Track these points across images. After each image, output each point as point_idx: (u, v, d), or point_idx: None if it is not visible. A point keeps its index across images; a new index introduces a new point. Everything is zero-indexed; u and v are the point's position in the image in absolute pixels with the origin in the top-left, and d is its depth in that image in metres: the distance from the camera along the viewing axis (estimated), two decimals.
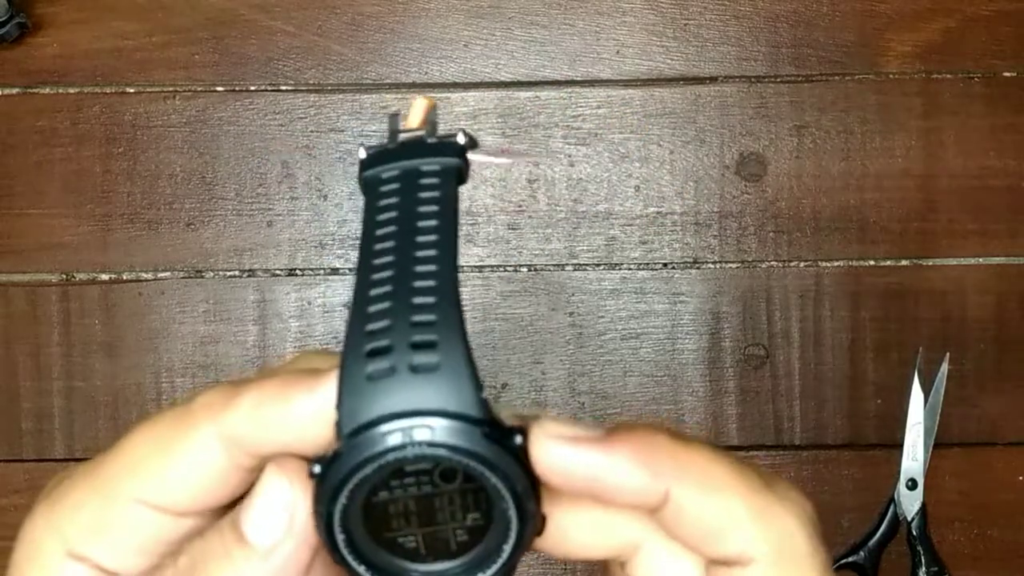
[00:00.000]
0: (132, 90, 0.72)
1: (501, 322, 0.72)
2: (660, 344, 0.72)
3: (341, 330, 0.72)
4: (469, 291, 0.72)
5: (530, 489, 0.23)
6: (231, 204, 0.72)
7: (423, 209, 0.25)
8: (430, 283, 0.24)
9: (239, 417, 0.24)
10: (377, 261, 0.24)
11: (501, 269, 0.72)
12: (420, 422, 0.23)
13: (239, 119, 0.72)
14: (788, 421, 0.72)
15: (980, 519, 0.71)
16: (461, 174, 0.26)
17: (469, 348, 0.23)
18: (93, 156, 0.72)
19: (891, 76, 0.72)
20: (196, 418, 0.25)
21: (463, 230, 0.72)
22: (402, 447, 0.23)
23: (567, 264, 0.72)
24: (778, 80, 0.72)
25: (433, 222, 0.25)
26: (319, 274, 0.72)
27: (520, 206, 0.72)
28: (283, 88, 0.72)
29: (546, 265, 0.72)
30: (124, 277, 0.72)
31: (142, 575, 0.25)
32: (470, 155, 0.27)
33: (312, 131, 0.72)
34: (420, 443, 0.23)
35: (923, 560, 0.66)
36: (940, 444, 0.66)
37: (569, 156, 0.72)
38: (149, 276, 0.72)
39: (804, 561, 0.24)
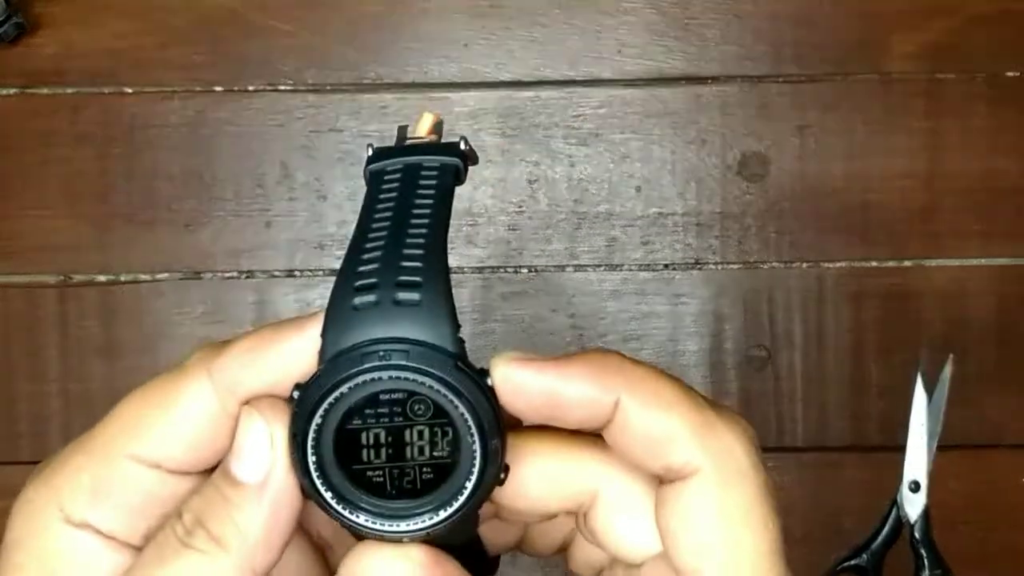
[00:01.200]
0: (130, 90, 0.72)
1: (501, 323, 0.71)
2: (661, 346, 0.72)
3: None
4: (470, 292, 0.71)
5: (495, 426, 0.25)
6: (229, 205, 0.72)
7: (421, 193, 0.27)
8: (420, 240, 0.25)
9: (232, 361, 0.25)
10: (374, 226, 0.26)
11: (501, 270, 0.72)
12: (397, 347, 0.24)
13: (238, 119, 0.72)
14: (790, 423, 0.71)
15: (984, 521, 0.71)
16: (459, 173, 0.28)
17: (450, 292, 0.25)
18: (91, 157, 0.72)
19: (894, 76, 0.72)
20: (189, 370, 0.26)
21: (463, 231, 0.71)
22: (378, 367, 0.24)
23: (568, 265, 0.72)
24: (780, 80, 0.72)
25: (428, 202, 0.27)
26: (318, 275, 0.71)
27: (520, 207, 0.72)
28: (282, 88, 0.72)
29: (547, 266, 0.72)
30: (122, 278, 0.72)
31: (143, 538, 0.26)
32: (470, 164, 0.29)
33: (311, 131, 0.72)
34: (396, 365, 0.24)
35: (926, 563, 0.65)
36: (944, 446, 0.66)
37: (570, 156, 0.72)
38: (147, 277, 0.72)
39: (746, 475, 0.26)
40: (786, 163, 0.72)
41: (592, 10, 0.72)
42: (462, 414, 0.24)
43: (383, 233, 0.26)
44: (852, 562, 0.66)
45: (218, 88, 0.72)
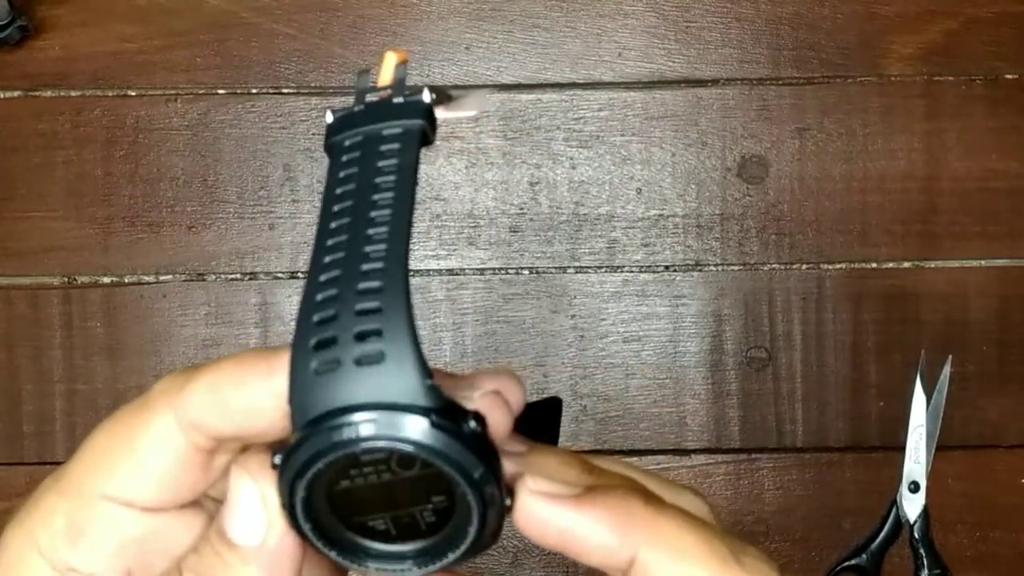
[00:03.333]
0: (134, 93, 0.72)
1: (503, 325, 0.72)
2: (662, 347, 0.72)
3: None
4: (471, 294, 0.71)
5: (488, 474, 0.23)
6: (233, 207, 0.72)
7: (380, 180, 0.24)
8: (377, 265, 0.23)
9: (195, 401, 0.24)
10: (329, 241, 0.24)
11: (503, 272, 0.72)
12: (365, 416, 0.22)
13: (241, 122, 0.72)
14: (790, 424, 0.72)
15: (983, 521, 0.71)
16: (425, 136, 0.25)
17: (416, 335, 0.23)
18: (95, 159, 0.72)
19: (893, 78, 0.72)
20: (153, 406, 0.25)
21: (465, 232, 0.72)
22: (349, 442, 0.22)
23: (569, 267, 0.72)
24: (780, 83, 0.72)
25: (388, 194, 0.24)
26: None
27: (522, 209, 0.72)
28: (285, 91, 0.72)
29: (548, 268, 0.72)
30: (126, 280, 0.72)
31: None
32: (438, 112, 0.26)
33: (314, 134, 0.72)
34: (366, 437, 0.22)
35: (925, 563, 0.66)
36: (942, 447, 0.66)
37: (571, 159, 0.72)
38: (151, 279, 0.72)
39: None
40: (786, 165, 0.72)
41: (593, 13, 0.73)
42: (448, 471, 0.23)
43: (339, 255, 0.24)
44: (852, 562, 0.67)
45: (221, 91, 0.72)
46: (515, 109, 0.72)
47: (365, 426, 0.22)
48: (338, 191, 0.25)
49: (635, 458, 0.70)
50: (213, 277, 0.72)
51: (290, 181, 0.72)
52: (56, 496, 0.25)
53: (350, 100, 0.26)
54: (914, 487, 0.66)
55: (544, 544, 0.24)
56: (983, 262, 0.72)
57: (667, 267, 0.72)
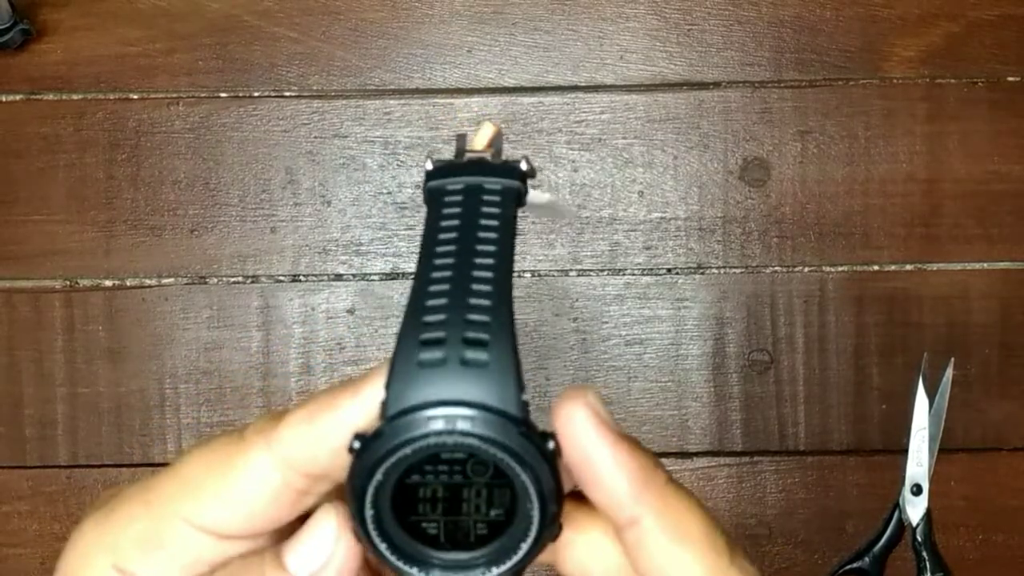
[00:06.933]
0: (136, 96, 0.72)
1: None
2: (664, 350, 0.72)
3: (344, 336, 0.72)
4: None
5: (555, 492, 0.24)
6: (235, 210, 0.72)
7: (484, 222, 0.26)
8: (486, 287, 0.25)
9: (290, 432, 0.25)
10: (438, 261, 0.25)
11: None
12: (464, 412, 0.24)
13: (243, 125, 0.72)
14: (792, 426, 0.72)
15: (985, 524, 0.71)
16: (520, 196, 0.28)
17: (517, 352, 0.24)
18: (97, 162, 0.72)
19: (895, 81, 0.72)
20: (249, 441, 0.25)
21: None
22: (443, 432, 0.24)
23: (571, 270, 0.72)
24: (782, 85, 0.72)
25: (492, 234, 0.26)
26: (323, 280, 0.72)
27: (523, 211, 0.72)
28: (287, 94, 0.73)
29: (550, 271, 0.72)
30: (128, 283, 0.72)
31: None
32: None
33: (316, 137, 0.72)
34: (461, 432, 0.24)
35: (928, 566, 0.66)
36: (945, 449, 0.66)
37: (573, 162, 0.72)
38: (153, 282, 0.72)
39: None
40: (788, 168, 0.72)
41: (595, 16, 0.73)
42: (523, 481, 0.24)
43: (448, 273, 0.25)
44: (854, 565, 0.67)
45: (223, 94, 0.72)
46: (517, 112, 0.72)
47: (463, 420, 0.24)
48: (443, 225, 0.26)
49: None
50: (215, 280, 0.72)
51: (292, 184, 0.72)
52: (141, 507, 0.26)
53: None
54: (916, 490, 0.66)
55: (576, 470, 0.25)
56: (985, 265, 0.72)
57: (669, 270, 0.72)
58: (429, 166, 0.28)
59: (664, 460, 0.74)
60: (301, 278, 0.72)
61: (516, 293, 0.71)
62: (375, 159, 0.72)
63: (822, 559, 0.71)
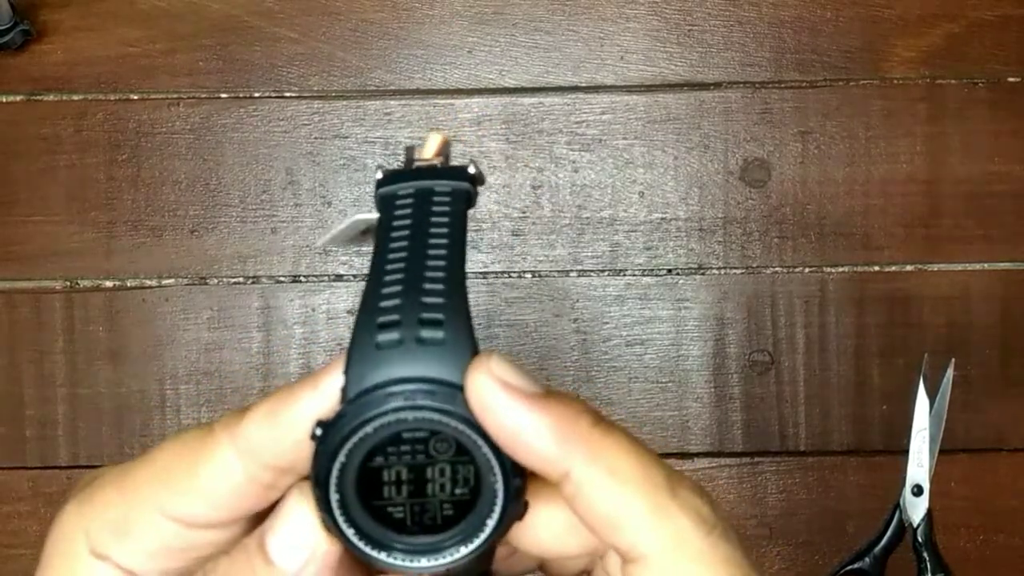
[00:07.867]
0: (136, 97, 0.72)
1: (505, 328, 0.72)
2: (665, 350, 0.72)
3: (345, 336, 0.72)
4: (473, 297, 0.71)
5: (518, 465, 0.24)
6: (235, 211, 0.72)
7: (435, 220, 0.27)
8: (440, 274, 0.25)
9: (252, 425, 0.25)
10: (392, 255, 0.26)
11: (505, 275, 0.72)
12: (423, 387, 0.24)
13: (243, 126, 0.72)
14: (793, 427, 0.72)
15: (986, 525, 0.71)
16: (470, 198, 0.28)
17: (472, 328, 0.25)
18: (97, 163, 0.72)
19: (895, 81, 0.72)
20: (216, 434, 0.26)
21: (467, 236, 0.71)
22: (403, 408, 0.24)
23: (571, 270, 0.72)
24: (782, 86, 0.72)
25: (444, 230, 0.27)
26: (323, 280, 0.72)
27: (524, 212, 0.72)
28: (287, 95, 0.73)
29: (550, 271, 0.72)
30: (128, 284, 0.72)
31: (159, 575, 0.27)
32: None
33: (316, 138, 0.72)
34: (421, 406, 0.24)
35: (929, 566, 0.66)
36: (946, 450, 0.66)
37: (573, 162, 0.72)
38: (153, 283, 0.72)
39: (701, 557, 0.25)
40: (788, 168, 0.72)
41: (595, 17, 0.73)
42: (485, 454, 0.24)
43: (401, 265, 0.26)
44: (855, 565, 0.67)
45: (224, 95, 0.72)
46: (517, 113, 0.72)
47: (421, 395, 0.24)
48: (395, 226, 0.27)
49: None
50: (215, 281, 0.72)
51: (292, 185, 0.72)
52: (116, 492, 0.26)
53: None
54: (917, 490, 0.66)
55: (497, 439, 0.25)
56: (986, 265, 0.72)
57: (670, 270, 0.72)
58: (379, 175, 0.29)
59: (664, 461, 0.74)
60: (302, 279, 0.72)
61: (517, 294, 0.71)
62: (376, 160, 0.72)
63: (823, 560, 0.71)
